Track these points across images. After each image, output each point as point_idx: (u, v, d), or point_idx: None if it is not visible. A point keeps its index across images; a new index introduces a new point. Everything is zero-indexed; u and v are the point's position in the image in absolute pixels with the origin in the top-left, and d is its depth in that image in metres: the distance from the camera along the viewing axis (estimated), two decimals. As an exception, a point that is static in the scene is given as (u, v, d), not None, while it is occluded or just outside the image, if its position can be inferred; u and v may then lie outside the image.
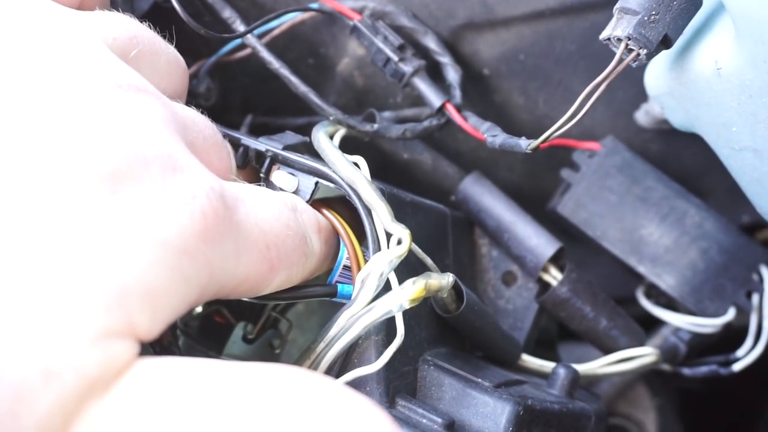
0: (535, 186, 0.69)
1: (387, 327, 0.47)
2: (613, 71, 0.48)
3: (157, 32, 0.48)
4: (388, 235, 0.47)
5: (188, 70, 0.60)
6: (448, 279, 0.47)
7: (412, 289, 0.44)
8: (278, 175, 0.51)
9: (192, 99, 0.60)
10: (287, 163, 0.51)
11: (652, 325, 0.66)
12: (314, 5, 0.59)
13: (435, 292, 0.46)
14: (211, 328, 0.56)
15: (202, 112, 0.47)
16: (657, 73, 0.54)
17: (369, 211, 0.48)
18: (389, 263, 0.45)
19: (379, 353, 0.45)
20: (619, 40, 0.48)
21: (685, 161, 0.66)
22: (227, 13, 0.57)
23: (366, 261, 0.48)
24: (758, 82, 0.46)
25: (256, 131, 0.63)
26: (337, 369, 0.46)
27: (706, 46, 0.49)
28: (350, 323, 0.44)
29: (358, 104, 0.65)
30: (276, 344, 0.57)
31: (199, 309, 0.56)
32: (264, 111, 0.67)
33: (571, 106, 0.49)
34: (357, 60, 0.63)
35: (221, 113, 0.61)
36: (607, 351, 0.61)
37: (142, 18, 0.49)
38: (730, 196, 0.65)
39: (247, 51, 0.59)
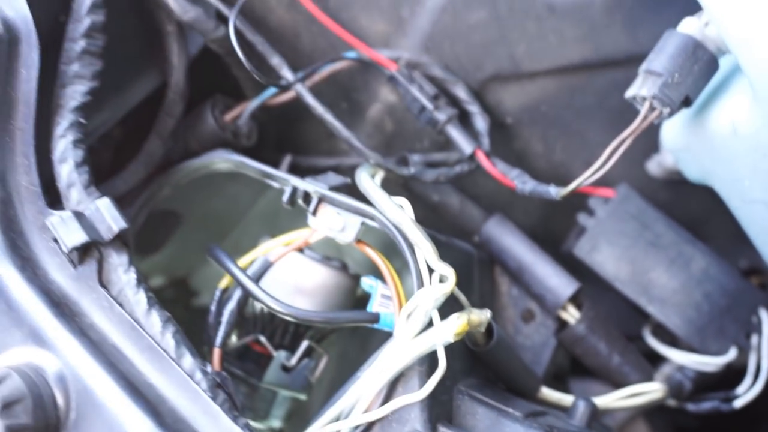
0: (548, 228, 0.73)
1: (429, 358, 0.50)
2: (638, 127, 0.52)
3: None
4: (430, 272, 0.50)
5: (233, 111, 0.64)
6: (486, 315, 0.50)
7: (457, 324, 0.47)
8: (325, 214, 0.54)
9: (235, 139, 0.63)
10: (334, 203, 0.54)
11: (654, 362, 0.70)
12: (352, 54, 0.63)
13: (476, 327, 0.49)
14: (251, 355, 0.59)
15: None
16: (674, 129, 0.58)
17: (413, 250, 0.51)
18: (435, 300, 0.48)
19: (423, 382, 0.48)
20: (644, 99, 0.52)
21: (690, 208, 0.69)
22: (275, 60, 0.61)
23: (406, 297, 0.51)
24: (773, 142, 0.50)
25: (290, 170, 0.66)
26: (383, 396, 0.49)
27: (724, 106, 0.53)
28: (398, 355, 0.47)
29: (386, 147, 0.69)
30: (311, 374, 0.59)
31: (234, 339, 0.59)
32: (294, 150, 0.70)
33: (586, 154, 0.53)
34: (388, 106, 0.67)
35: (258, 151, 0.65)
36: (618, 386, 0.65)
37: (192, 61, 0.51)
38: (731, 241, 0.69)
39: (288, 95, 0.63)
